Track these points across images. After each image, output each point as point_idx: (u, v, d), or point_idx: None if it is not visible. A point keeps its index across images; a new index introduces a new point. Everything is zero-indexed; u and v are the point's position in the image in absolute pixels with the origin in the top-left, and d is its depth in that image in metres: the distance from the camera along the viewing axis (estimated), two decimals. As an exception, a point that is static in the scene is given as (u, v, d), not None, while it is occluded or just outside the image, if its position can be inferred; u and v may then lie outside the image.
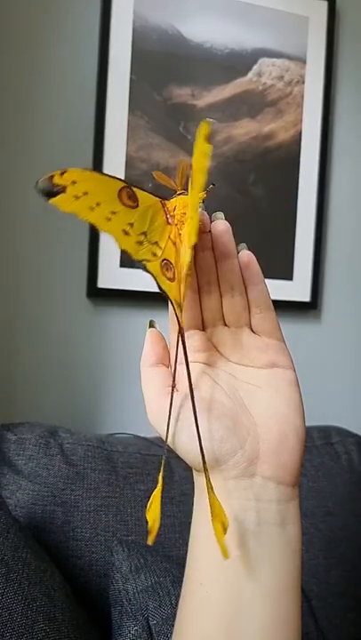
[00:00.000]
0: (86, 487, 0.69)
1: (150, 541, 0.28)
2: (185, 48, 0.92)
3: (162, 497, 0.30)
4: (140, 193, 0.31)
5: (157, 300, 0.93)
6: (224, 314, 0.32)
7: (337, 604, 0.75)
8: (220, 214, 0.31)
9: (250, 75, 0.97)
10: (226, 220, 0.31)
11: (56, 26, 0.88)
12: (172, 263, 0.31)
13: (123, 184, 0.30)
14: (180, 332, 0.29)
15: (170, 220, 0.32)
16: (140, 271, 1.05)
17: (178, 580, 0.57)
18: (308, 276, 1.02)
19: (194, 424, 0.29)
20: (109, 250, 0.89)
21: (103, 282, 0.89)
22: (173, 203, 0.32)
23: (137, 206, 0.30)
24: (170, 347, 0.33)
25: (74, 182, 0.28)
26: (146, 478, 0.72)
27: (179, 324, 0.29)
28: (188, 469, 0.31)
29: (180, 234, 0.31)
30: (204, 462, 0.28)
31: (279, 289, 1.00)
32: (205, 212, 0.31)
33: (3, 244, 0.86)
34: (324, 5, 1.00)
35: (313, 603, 0.74)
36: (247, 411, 0.30)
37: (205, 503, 0.30)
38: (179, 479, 0.74)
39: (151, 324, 0.34)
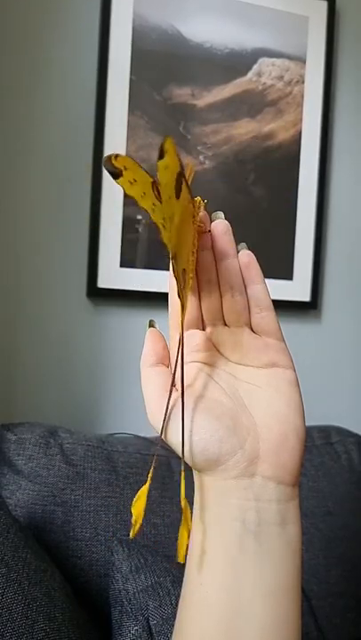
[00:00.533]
0: (86, 487, 0.69)
1: (132, 535, 0.28)
2: (185, 48, 0.93)
3: (150, 494, 0.30)
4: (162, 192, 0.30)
5: (157, 300, 0.93)
6: (224, 313, 0.32)
7: (337, 603, 0.75)
8: (220, 214, 0.31)
9: (250, 74, 0.97)
10: (226, 219, 0.31)
11: (56, 26, 0.88)
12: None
13: (151, 179, 0.29)
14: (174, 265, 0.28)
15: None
16: (140, 271, 1.05)
17: (178, 580, 0.57)
18: (308, 276, 1.02)
19: (192, 423, 0.29)
20: (109, 250, 0.89)
21: (103, 282, 0.89)
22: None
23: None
24: (170, 346, 0.33)
25: (125, 168, 0.27)
26: (146, 478, 0.72)
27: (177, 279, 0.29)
28: (189, 469, 0.31)
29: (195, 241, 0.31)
30: (183, 461, 0.28)
31: (279, 289, 1.00)
32: (206, 212, 0.31)
33: (3, 244, 0.86)
34: (324, 5, 1.00)
35: (313, 602, 0.74)
36: (247, 410, 0.30)
37: (204, 502, 0.30)
38: (179, 479, 0.74)
39: (151, 324, 0.34)
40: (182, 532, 0.28)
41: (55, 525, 0.66)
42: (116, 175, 0.27)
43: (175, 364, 0.31)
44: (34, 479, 0.68)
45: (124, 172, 0.27)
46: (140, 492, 0.29)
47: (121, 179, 0.27)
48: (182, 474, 0.28)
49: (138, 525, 0.28)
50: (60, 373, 0.90)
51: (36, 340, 0.88)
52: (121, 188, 0.28)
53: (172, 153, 0.24)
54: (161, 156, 0.24)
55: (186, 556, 0.29)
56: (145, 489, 0.29)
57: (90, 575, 0.65)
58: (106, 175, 0.89)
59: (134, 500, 0.29)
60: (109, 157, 0.27)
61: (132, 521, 0.29)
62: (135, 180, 0.27)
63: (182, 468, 0.28)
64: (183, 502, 0.28)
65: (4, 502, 0.65)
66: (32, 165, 0.87)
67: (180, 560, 0.28)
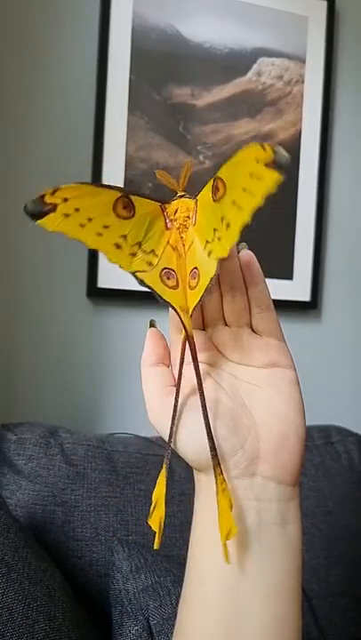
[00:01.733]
0: (86, 487, 0.69)
1: (157, 545, 0.29)
2: (184, 48, 0.92)
3: (150, 494, 0.30)
4: (138, 200, 0.30)
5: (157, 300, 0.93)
6: (224, 314, 0.32)
7: (337, 603, 0.75)
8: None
9: (249, 74, 0.97)
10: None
11: (55, 26, 0.87)
12: (173, 270, 0.30)
13: (118, 194, 0.29)
14: (189, 341, 0.29)
15: (169, 225, 0.31)
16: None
17: (178, 580, 0.57)
18: (309, 276, 1.02)
19: (194, 423, 0.29)
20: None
21: (103, 282, 0.89)
22: (175, 205, 0.31)
23: (132, 216, 0.30)
24: (170, 346, 0.33)
25: (65, 200, 0.27)
26: (146, 478, 0.72)
27: (186, 332, 0.29)
28: (189, 469, 0.31)
29: (182, 237, 0.31)
30: (216, 464, 0.28)
31: (279, 289, 1.00)
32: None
33: (3, 244, 0.86)
34: (324, 5, 1.00)
35: (313, 602, 0.74)
36: (248, 410, 0.30)
37: (205, 502, 0.30)
38: (179, 479, 0.74)
39: (152, 324, 0.34)
40: (222, 531, 0.27)
41: (55, 525, 0.66)
42: (40, 215, 0.26)
43: (180, 368, 0.31)
44: (34, 479, 0.68)
45: (58, 207, 0.27)
46: (154, 500, 0.30)
47: (48, 216, 0.27)
48: (217, 476, 0.28)
49: (161, 533, 0.29)
50: (61, 373, 0.90)
51: (36, 340, 0.88)
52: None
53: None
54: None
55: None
56: (160, 495, 0.29)
57: (90, 575, 0.65)
58: (106, 175, 0.89)
59: (151, 509, 0.30)
60: (42, 196, 0.26)
61: (156, 530, 0.29)
62: (76, 210, 0.27)
63: (215, 469, 0.28)
64: (221, 498, 0.27)
65: (4, 502, 0.65)
66: (32, 165, 0.87)
67: (226, 562, 0.27)
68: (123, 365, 0.93)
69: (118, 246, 0.30)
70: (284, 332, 0.32)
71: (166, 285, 0.30)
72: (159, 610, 0.54)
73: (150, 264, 0.30)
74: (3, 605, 0.46)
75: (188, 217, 0.31)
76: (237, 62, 0.96)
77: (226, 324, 0.32)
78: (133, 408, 0.91)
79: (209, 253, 0.28)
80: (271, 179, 0.23)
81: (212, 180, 0.28)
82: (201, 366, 0.32)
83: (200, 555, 0.30)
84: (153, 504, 0.30)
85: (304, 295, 1.02)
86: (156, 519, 0.29)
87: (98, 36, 0.88)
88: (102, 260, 0.89)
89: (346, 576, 0.77)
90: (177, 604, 0.31)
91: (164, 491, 0.29)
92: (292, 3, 0.98)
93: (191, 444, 0.29)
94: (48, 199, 0.27)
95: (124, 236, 0.30)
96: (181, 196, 0.31)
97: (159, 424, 0.30)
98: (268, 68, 0.98)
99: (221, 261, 0.28)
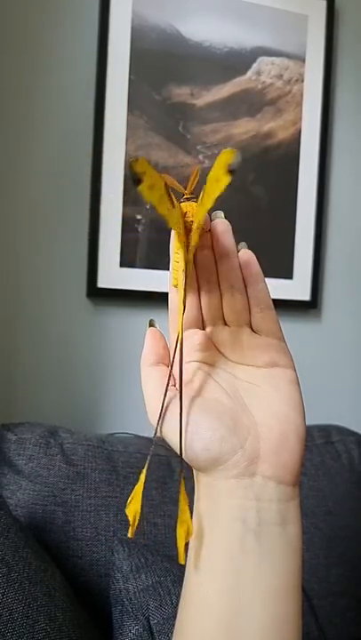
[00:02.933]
0: (87, 487, 0.69)
1: (131, 534, 0.29)
2: (184, 47, 0.92)
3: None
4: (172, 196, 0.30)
5: (157, 299, 0.93)
6: (224, 313, 0.32)
7: (338, 603, 0.75)
8: (221, 213, 0.31)
9: (249, 73, 0.96)
10: (226, 219, 0.31)
11: (55, 26, 0.87)
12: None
13: (163, 182, 0.29)
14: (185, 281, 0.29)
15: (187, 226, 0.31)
16: (139, 271, 1.05)
17: (178, 580, 0.57)
18: (308, 275, 1.02)
19: (193, 423, 0.29)
20: (109, 250, 0.89)
21: (103, 282, 0.89)
22: (185, 206, 0.31)
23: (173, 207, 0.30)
24: (170, 346, 0.33)
25: (144, 173, 0.27)
26: (146, 478, 0.72)
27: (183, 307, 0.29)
28: (189, 469, 0.31)
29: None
30: (181, 459, 0.28)
31: (279, 288, 1.00)
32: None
33: (3, 244, 0.86)
34: (323, 4, 1.00)
35: (314, 602, 0.74)
36: (247, 410, 0.30)
37: (205, 502, 0.30)
38: (179, 479, 0.74)
39: (151, 324, 0.34)
40: (180, 533, 0.28)
41: (56, 525, 0.66)
42: (138, 181, 0.27)
43: (172, 363, 0.31)
44: (34, 479, 0.68)
45: (144, 177, 0.27)
46: (133, 491, 0.30)
47: (142, 184, 0.27)
48: (181, 474, 0.28)
49: (136, 524, 0.29)
50: (60, 373, 0.90)
51: (36, 340, 0.88)
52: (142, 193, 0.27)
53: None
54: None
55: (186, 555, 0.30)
56: (138, 488, 0.29)
57: (90, 575, 0.65)
58: (105, 175, 0.89)
59: (128, 500, 0.30)
60: (134, 162, 0.26)
61: (130, 521, 0.29)
62: (153, 185, 0.27)
63: (181, 467, 0.28)
64: (182, 501, 0.28)
65: (4, 502, 0.65)
66: (32, 165, 0.87)
67: (181, 562, 0.28)
68: (123, 365, 0.93)
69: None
70: (284, 332, 0.32)
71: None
72: (159, 609, 0.54)
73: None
74: (3, 605, 0.46)
75: (192, 221, 0.31)
76: (237, 61, 0.96)
77: (225, 324, 0.32)
78: (133, 408, 0.91)
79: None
80: (225, 181, 0.25)
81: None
82: (201, 366, 0.32)
83: (200, 554, 0.30)
84: (131, 496, 0.30)
85: (304, 295, 1.02)
86: (131, 510, 0.30)
87: (97, 35, 0.88)
88: (102, 260, 0.89)
89: (346, 576, 0.77)
90: (177, 604, 0.31)
91: (142, 486, 0.30)
92: (292, 2, 0.98)
93: (190, 443, 0.29)
94: (135, 166, 0.27)
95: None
96: (188, 199, 0.31)
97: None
98: (267, 67, 0.97)
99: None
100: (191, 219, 0.31)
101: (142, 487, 0.29)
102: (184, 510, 0.28)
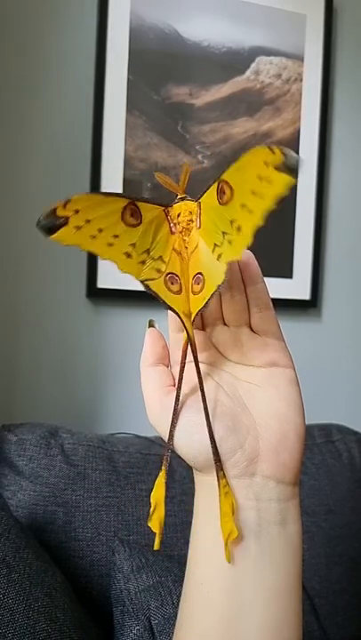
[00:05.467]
0: (87, 487, 0.69)
1: (157, 546, 0.29)
2: (182, 47, 0.92)
3: (150, 494, 0.30)
4: (143, 206, 0.30)
5: (157, 300, 0.93)
6: (223, 313, 0.32)
7: (339, 601, 0.75)
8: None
9: (248, 73, 0.96)
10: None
11: (53, 26, 0.87)
12: (177, 275, 0.30)
13: (126, 201, 0.29)
14: (192, 346, 0.29)
15: (173, 229, 0.31)
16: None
17: (179, 580, 0.57)
18: (308, 275, 1.02)
19: (193, 423, 0.29)
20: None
21: (103, 282, 0.89)
22: (177, 209, 0.31)
23: (140, 223, 0.30)
24: (169, 346, 0.33)
25: (77, 211, 0.27)
26: (147, 478, 0.72)
27: (188, 337, 0.29)
28: (189, 469, 0.31)
29: (185, 240, 0.31)
30: (219, 468, 0.28)
31: (279, 287, 1.00)
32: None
33: (3, 244, 0.86)
34: (322, 3, 1.00)
35: (315, 601, 0.74)
36: (247, 410, 0.30)
37: (205, 502, 0.30)
38: (180, 478, 0.74)
39: (151, 324, 0.34)
40: (224, 530, 0.27)
41: (56, 526, 0.66)
42: (53, 229, 0.26)
43: (181, 373, 0.30)
44: (35, 480, 0.68)
45: (71, 219, 0.26)
46: (154, 500, 0.30)
47: (62, 230, 0.26)
48: (218, 473, 0.28)
49: (161, 534, 0.29)
50: (61, 374, 0.90)
51: (36, 340, 0.88)
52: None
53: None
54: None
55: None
56: (160, 496, 0.30)
57: (91, 575, 0.65)
58: (104, 175, 0.89)
59: (150, 511, 0.30)
60: (54, 209, 0.26)
61: (156, 532, 0.29)
62: (87, 221, 0.27)
63: (217, 466, 0.28)
64: (221, 500, 0.28)
65: (5, 503, 0.65)
66: (31, 165, 0.87)
67: (227, 560, 0.27)
68: (123, 365, 0.93)
69: (128, 255, 0.29)
70: (283, 331, 0.32)
71: (170, 290, 0.30)
72: (160, 609, 0.54)
73: (159, 271, 0.30)
74: (4, 606, 0.46)
75: (192, 220, 0.30)
76: (235, 61, 0.96)
77: (225, 324, 0.32)
78: (133, 408, 0.91)
79: (219, 256, 0.28)
80: (282, 182, 0.23)
81: (216, 183, 0.27)
82: (200, 366, 0.32)
83: (200, 554, 0.30)
84: (153, 506, 0.30)
85: (304, 294, 1.02)
86: (156, 521, 0.29)
87: (96, 35, 0.88)
88: (102, 261, 0.89)
89: (347, 574, 0.77)
90: (178, 604, 0.31)
91: (164, 493, 0.29)
92: (290, 1, 0.98)
93: (191, 444, 0.29)
94: (60, 212, 0.26)
95: (133, 244, 0.29)
96: (183, 199, 0.31)
97: (159, 424, 0.30)
98: (266, 67, 0.97)
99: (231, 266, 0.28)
100: (189, 217, 0.30)
101: (164, 494, 0.29)
102: (226, 512, 0.28)
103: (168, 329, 0.33)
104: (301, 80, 1.00)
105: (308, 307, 1.03)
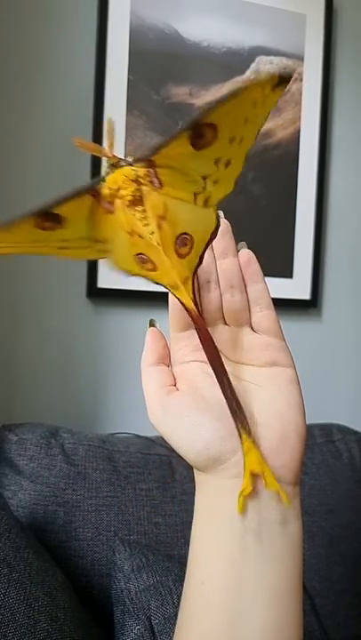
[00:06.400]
0: (88, 487, 0.69)
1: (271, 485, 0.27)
2: (182, 47, 0.92)
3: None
4: (62, 207, 0.27)
5: (157, 299, 0.93)
6: (224, 313, 0.32)
7: (340, 601, 0.75)
8: (220, 213, 0.31)
9: (248, 73, 0.96)
10: (225, 218, 0.31)
11: (53, 26, 0.87)
12: (143, 254, 0.28)
13: (32, 219, 0.26)
14: (190, 315, 0.28)
15: (111, 208, 0.27)
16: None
17: (180, 579, 0.57)
18: (309, 274, 1.02)
19: (194, 422, 0.29)
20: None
21: (103, 282, 0.89)
22: (113, 182, 0.27)
23: (63, 222, 0.27)
24: (170, 345, 0.33)
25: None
26: (147, 477, 0.73)
27: (185, 308, 0.28)
28: (189, 468, 0.31)
29: (137, 211, 0.27)
30: (240, 430, 0.27)
31: (279, 287, 1.00)
32: None
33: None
34: (322, 3, 1.00)
35: (315, 600, 0.74)
36: (248, 409, 0.30)
37: (206, 501, 0.30)
38: (180, 478, 0.74)
39: (151, 324, 0.34)
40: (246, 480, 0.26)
41: (57, 525, 0.66)
42: None
43: (220, 371, 0.30)
44: (35, 479, 0.68)
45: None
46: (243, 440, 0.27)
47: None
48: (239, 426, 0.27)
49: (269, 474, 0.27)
50: (61, 373, 0.90)
51: (36, 340, 0.88)
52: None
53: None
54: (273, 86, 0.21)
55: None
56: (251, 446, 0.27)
57: (92, 575, 0.65)
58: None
59: (245, 450, 0.27)
60: None
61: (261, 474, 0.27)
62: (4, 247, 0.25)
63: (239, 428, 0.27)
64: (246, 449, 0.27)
65: (5, 503, 0.65)
66: (31, 165, 0.87)
67: (240, 512, 0.26)
68: (123, 365, 0.93)
69: (64, 247, 0.28)
70: (284, 331, 0.32)
71: (147, 270, 0.28)
72: (161, 609, 0.54)
73: (104, 251, 0.28)
74: (5, 606, 0.46)
75: (139, 188, 0.27)
76: (235, 61, 0.96)
77: (225, 324, 0.32)
78: (134, 408, 0.91)
79: (205, 202, 0.26)
80: (276, 97, 0.22)
81: (184, 132, 0.24)
82: (201, 365, 0.32)
83: (201, 553, 0.30)
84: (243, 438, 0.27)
85: (304, 294, 1.02)
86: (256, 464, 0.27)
87: (96, 36, 0.88)
88: (102, 261, 0.89)
89: (348, 574, 0.77)
90: (178, 604, 0.31)
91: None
92: (290, 1, 0.98)
93: (192, 443, 0.29)
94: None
95: (65, 240, 0.27)
96: (114, 166, 0.27)
97: (159, 424, 0.30)
98: (266, 67, 0.97)
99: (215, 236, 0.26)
100: (131, 187, 0.26)
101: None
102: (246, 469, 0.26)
103: (169, 328, 0.33)
104: (301, 80, 1.00)
105: (309, 307, 1.03)
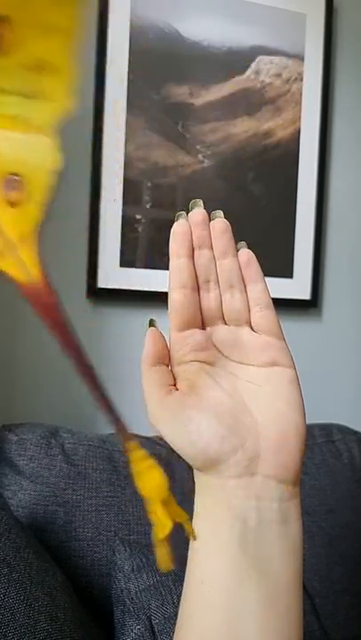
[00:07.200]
0: (88, 487, 0.69)
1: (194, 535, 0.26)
2: (182, 46, 0.92)
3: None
4: None
5: (157, 299, 0.93)
6: (224, 313, 0.32)
7: (340, 601, 0.75)
8: (220, 213, 0.31)
9: (248, 72, 0.96)
10: (225, 218, 0.31)
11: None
12: None
13: None
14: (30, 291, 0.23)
15: None
16: (139, 271, 1.05)
17: (180, 579, 0.57)
18: (309, 274, 1.02)
19: (193, 422, 0.29)
20: (109, 250, 0.89)
21: (103, 282, 0.89)
22: None
23: None
24: (170, 346, 0.33)
25: None
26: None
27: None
28: (189, 468, 0.31)
29: None
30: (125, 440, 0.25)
31: (279, 287, 1.00)
32: (204, 210, 0.31)
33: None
34: (322, 2, 1.00)
35: (315, 600, 0.74)
36: (248, 409, 0.30)
37: (205, 501, 0.30)
38: (179, 478, 0.74)
39: (151, 324, 0.34)
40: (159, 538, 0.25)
41: (57, 525, 0.66)
42: None
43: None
44: (35, 479, 0.68)
45: None
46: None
47: None
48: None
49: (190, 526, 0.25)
50: (61, 373, 0.90)
51: (36, 340, 0.88)
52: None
53: None
54: None
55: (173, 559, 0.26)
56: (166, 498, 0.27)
57: (92, 575, 0.65)
58: (105, 174, 0.89)
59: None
60: None
61: (185, 527, 0.26)
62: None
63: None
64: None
65: (5, 503, 0.65)
66: (31, 165, 0.87)
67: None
68: (123, 365, 0.93)
69: None
70: (284, 331, 0.32)
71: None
72: (161, 609, 0.54)
73: None
74: (5, 606, 0.46)
75: None
76: (236, 60, 0.96)
77: (225, 324, 0.32)
78: (134, 408, 0.91)
79: (31, 125, 0.21)
80: None
81: None
82: (201, 365, 0.32)
83: (201, 553, 0.30)
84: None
85: (304, 294, 1.02)
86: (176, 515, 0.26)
87: (96, 35, 0.88)
88: (102, 260, 0.89)
89: (348, 574, 0.77)
90: (178, 604, 0.31)
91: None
92: (290, 0, 0.98)
93: (191, 443, 0.29)
94: None
95: None
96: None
97: (159, 424, 0.30)
98: (266, 66, 0.97)
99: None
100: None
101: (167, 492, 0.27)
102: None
103: (168, 329, 0.33)
104: (302, 79, 1.00)
105: (309, 307, 1.03)
